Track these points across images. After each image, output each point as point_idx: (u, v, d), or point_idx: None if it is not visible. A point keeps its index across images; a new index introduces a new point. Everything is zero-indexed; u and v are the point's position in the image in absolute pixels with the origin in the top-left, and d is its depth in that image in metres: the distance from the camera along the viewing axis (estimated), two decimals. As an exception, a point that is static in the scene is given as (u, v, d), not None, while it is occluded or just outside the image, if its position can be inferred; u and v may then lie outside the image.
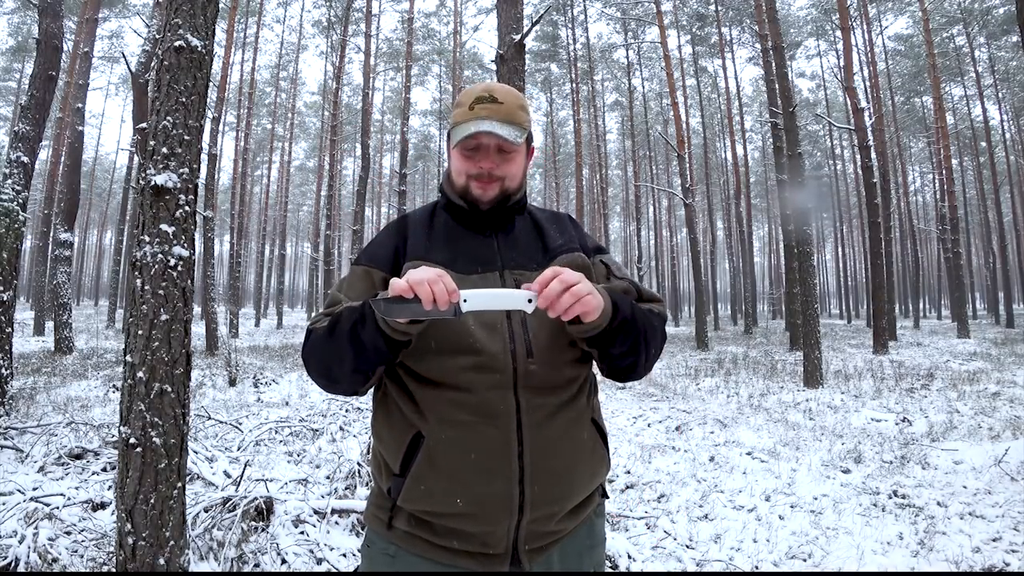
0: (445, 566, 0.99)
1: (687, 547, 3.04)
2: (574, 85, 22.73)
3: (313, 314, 24.14)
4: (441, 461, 0.96)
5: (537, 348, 1.00)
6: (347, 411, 5.52)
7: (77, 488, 3.23)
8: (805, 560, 2.91)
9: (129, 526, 2.00)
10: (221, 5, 2.44)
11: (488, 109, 1.04)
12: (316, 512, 2.94)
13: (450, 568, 0.99)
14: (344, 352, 0.95)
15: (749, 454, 4.71)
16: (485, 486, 0.95)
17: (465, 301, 0.87)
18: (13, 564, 2.34)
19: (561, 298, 0.87)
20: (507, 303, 0.89)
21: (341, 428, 4.93)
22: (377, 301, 0.88)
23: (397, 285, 0.86)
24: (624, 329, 0.97)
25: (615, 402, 7.12)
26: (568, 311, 0.88)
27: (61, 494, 2.96)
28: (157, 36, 10.00)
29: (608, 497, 1.15)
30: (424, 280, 0.84)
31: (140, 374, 2.04)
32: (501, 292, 0.90)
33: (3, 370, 4.95)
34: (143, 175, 2.16)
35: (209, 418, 5.05)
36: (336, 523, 2.94)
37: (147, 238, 2.10)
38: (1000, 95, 24.17)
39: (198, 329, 16.23)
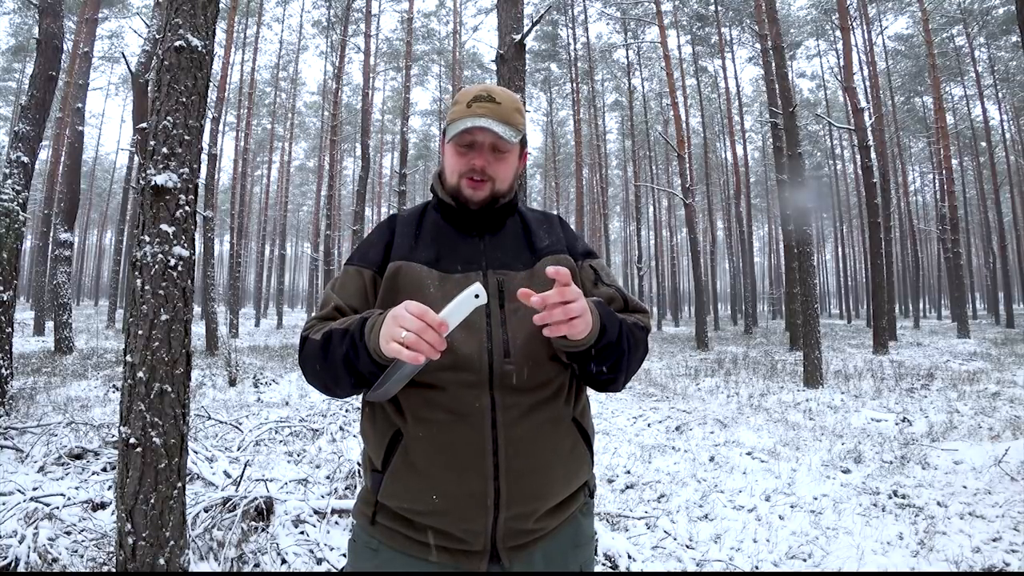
0: (426, 561, 1.00)
1: (687, 547, 3.04)
2: (574, 85, 22.75)
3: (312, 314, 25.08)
4: (417, 459, 0.98)
5: (515, 348, 1.00)
6: (347, 411, 5.52)
7: (77, 488, 3.23)
8: (805, 560, 2.91)
9: (129, 526, 2.00)
10: (221, 5, 2.44)
11: (485, 108, 1.04)
12: (316, 512, 2.94)
13: (430, 564, 1.00)
14: (340, 375, 0.96)
15: (749, 454, 4.71)
16: (459, 484, 0.96)
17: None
18: (13, 564, 2.34)
19: (553, 311, 0.86)
20: (465, 307, 0.88)
21: (341, 428, 4.93)
22: (373, 391, 0.91)
23: (391, 350, 0.85)
24: (607, 351, 0.97)
25: (615, 402, 7.12)
26: (553, 327, 0.87)
27: (61, 494, 2.96)
28: (157, 36, 10.00)
29: (593, 496, 1.15)
30: (411, 337, 0.83)
31: (140, 374, 2.04)
32: (457, 300, 0.88)
33: (3, 370, 4.95)
34: (143, 175, 2.16)
35: (209, 418, 5.05)
36: (336, 523, 2.94)
37: (147, 238, 2.10)
38: (1000, 95, 24.18)
39: (198, 329, 16.23)
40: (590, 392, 1.14)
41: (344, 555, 2.69)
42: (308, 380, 1.04)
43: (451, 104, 1.11)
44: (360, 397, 1.10)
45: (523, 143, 1.13)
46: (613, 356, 0.99)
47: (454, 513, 0.97)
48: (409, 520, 1.00)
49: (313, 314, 1.10)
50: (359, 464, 3.55)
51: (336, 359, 0.95)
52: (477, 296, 0.88)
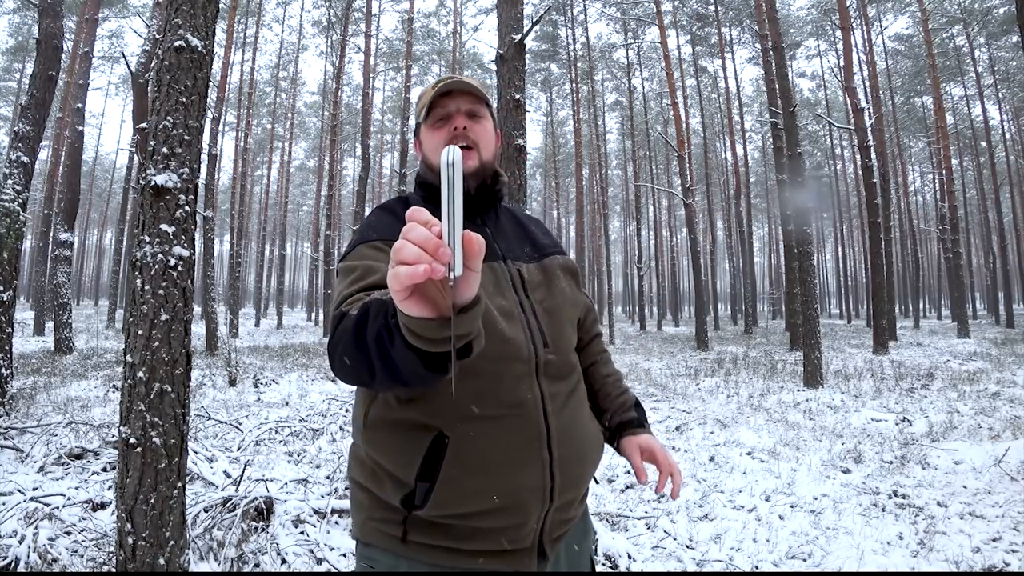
0: (469, 567, 0.94)
1: (687, 547, 3.04)
2: (574, 85, 22.73)
3: (319, 321, 23.28)
4: (472, 459, 0.91)
5: (551, 337, 1.01)
6: (347, 411, 5.52)
7: (77, 488, 3.23)
8: (805, 560, 2.91)
9: (129, 526, 2.00)
10: (221, 5, 2.44)
11: (453, 81, 1.07)
12: (316, 512, 2.94)
13: (471, 571, 0.94)
14: (375, 362, 0.71)
15: (749, 454, 4.71)
16: (520, 478, 0.92)
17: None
18: (13, 564, 2.34)
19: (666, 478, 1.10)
20: (452, 185, 0.56)
21: (341, 428, 4.93)
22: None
23: (398, 279, 0.56)
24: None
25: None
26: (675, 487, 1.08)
27: (61, 494, 2.97)
28: (157, 36, 10.01)
29: (598, 482, 1.21)
30: (405, 245, 0.56)
31: (140, 374, 2.04)
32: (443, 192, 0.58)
33: (3, 370, 4.95)
34: (143, 175, 2.16)
35: (209, 418, 5.05)
36: (336, 523, 2.94)
37: (147, 238, 2.10)
38: (1000, 95, 24.19)
39: (198, 329, 16.23)
40: None
41: (344, 555, 2.68)
42: (337, 371, 0.79)
43: (417, 101, 1.12)
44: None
45: (494, 117, 1.13)
46: None
47: (512, 510, 0.91)
48: (450, 527, 0.92)
49: (347, 286, 0.89)
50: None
51: (370, 338, 0.69)
52: (451, 164, 0.57)
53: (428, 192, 1.10)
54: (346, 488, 3.37)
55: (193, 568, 2.41)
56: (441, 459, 0.90)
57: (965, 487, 3.88)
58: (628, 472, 4.27)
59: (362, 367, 0.72)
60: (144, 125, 4.07)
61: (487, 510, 0.91)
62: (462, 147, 1.03)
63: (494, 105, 1.15)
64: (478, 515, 0.91)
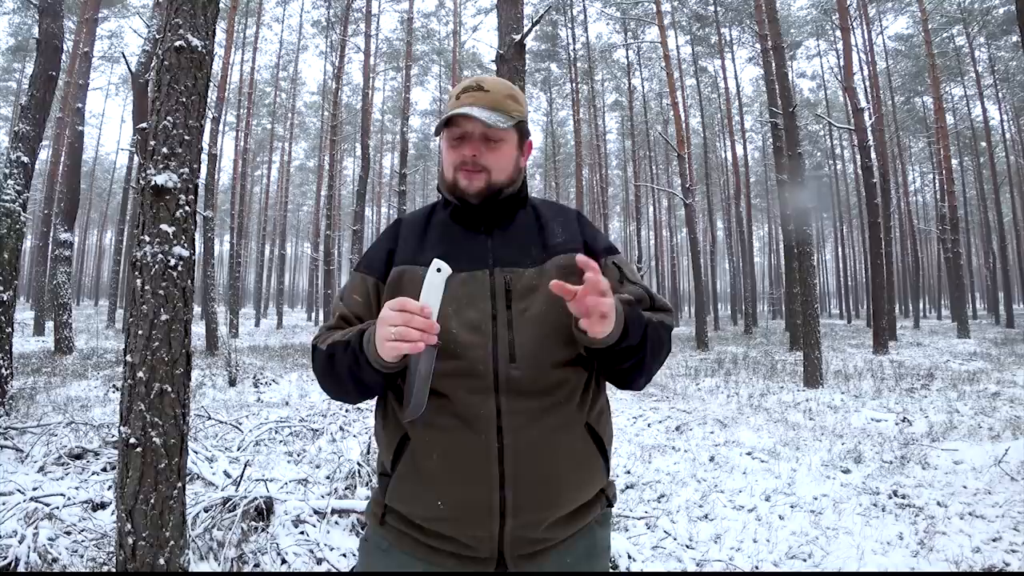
0: (434, 565, 0.99)
1: (687, 547, 3.04)
2: (574, 85, 22.74)
3: (319, 321, 23.96)
4: (423, 464, 0.97)
5: (521, 352, 0.97)
6: (347, 411, 5.52)
7: (77, 488, 3.23)
8: (805, 560, 2.91)
9: (129, 526, 2.00)
10: (221, 5, 2.43)
11: (473, 97, 1.03)
12: (316, 512, 2.94)
13: (439, 568, 0.99)
14: (348, 387, 1.01)
15: (749, 454, 4.71)
16: (464, 491, 0.95)
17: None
18: (13, 564, 2.34)
19: (585, 302, 0.85)
20: (435, 286, 0.89)
21: (341, 428, 4.94)
22: (405, 408, 0.94)
23: (389, 350, 0.86)
24: (627, 352, 0.96)
25: (615, 402, 7.12)
26: (588, 316, 0.86)
27: (61, 494, 2.96)
28: (157, 36, 10.00)
29: (612, 505, 1.11)
30: (400, 330, 0.84)
31: (140, 374, 2.04)
32: (425, 282, 0.89)
33: (3, 370, 4.95)
34: (143, 175, 2.16)
35: (209, 418, 5.05)
36: (336, 523, 2.94)
37: (147, 238, 2.10)
38: (1000, 95, 24.19)
39: (198, 329, 16.22)
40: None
41: (344, 555, 2.69)
42: (322, 387, 1.08)
43: (448, 101, 1.11)
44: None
45: (522, 131, 1.09)
46: (634, 358, 0.98)
47: (459, 520, 0.96)
48: (417, 524, 0.99)
49: (330, 317, 1.11)
50: (359, 464, 3.55)
51: (342, 371, 0.98)
52: (439, 270, 0.89)
53: (450, 209, 1.12)
54: (346, 488, 3.38)
55: (193, 568, 2.41)
56: (401, 458, 1.00)
57: (965, 487, 3.88)
58: (628, 472, 4.27)
59: (337, 390, 1.04)
60: (144, 125, 4.06)
61: (436, 516, 0.97)
62: (472, 170, 1.04)
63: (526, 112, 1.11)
64: (430, 519, 0.98)
